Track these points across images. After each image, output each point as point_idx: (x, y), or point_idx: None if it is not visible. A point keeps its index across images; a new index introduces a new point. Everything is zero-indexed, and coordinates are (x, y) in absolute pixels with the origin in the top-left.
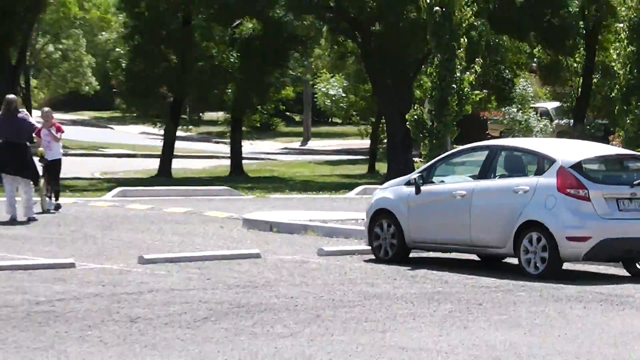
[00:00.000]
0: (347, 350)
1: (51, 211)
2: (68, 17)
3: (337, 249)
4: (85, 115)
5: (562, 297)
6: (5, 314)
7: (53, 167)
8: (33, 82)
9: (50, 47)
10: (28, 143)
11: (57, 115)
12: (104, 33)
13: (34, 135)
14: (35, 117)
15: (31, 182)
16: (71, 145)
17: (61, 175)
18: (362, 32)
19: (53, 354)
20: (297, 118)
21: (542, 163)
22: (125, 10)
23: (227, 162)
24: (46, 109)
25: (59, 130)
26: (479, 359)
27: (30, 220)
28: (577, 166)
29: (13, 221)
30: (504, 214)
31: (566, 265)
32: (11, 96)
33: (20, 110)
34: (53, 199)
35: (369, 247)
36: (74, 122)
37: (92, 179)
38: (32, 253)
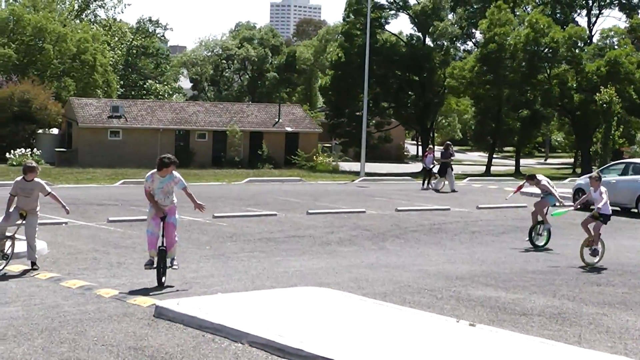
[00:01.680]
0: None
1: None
2: (451, 107)
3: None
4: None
5: None
6: (420, 229)
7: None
8: (436, 135)
9: (443, 120)
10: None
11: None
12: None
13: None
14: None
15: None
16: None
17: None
18: None
19: (438, 246)
20: None
21: None
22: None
23: None
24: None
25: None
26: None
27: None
28: None
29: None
30: (631, 189)
31: None
32: (448, 142)
33: (430, 148)
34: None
35: (573, 202)
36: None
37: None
38: (429, 204)
